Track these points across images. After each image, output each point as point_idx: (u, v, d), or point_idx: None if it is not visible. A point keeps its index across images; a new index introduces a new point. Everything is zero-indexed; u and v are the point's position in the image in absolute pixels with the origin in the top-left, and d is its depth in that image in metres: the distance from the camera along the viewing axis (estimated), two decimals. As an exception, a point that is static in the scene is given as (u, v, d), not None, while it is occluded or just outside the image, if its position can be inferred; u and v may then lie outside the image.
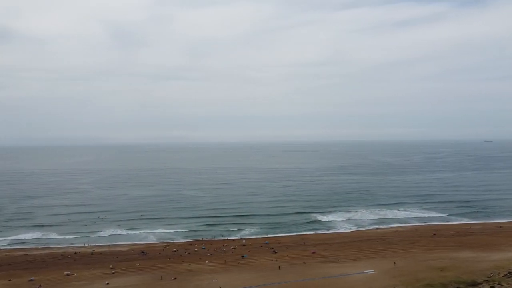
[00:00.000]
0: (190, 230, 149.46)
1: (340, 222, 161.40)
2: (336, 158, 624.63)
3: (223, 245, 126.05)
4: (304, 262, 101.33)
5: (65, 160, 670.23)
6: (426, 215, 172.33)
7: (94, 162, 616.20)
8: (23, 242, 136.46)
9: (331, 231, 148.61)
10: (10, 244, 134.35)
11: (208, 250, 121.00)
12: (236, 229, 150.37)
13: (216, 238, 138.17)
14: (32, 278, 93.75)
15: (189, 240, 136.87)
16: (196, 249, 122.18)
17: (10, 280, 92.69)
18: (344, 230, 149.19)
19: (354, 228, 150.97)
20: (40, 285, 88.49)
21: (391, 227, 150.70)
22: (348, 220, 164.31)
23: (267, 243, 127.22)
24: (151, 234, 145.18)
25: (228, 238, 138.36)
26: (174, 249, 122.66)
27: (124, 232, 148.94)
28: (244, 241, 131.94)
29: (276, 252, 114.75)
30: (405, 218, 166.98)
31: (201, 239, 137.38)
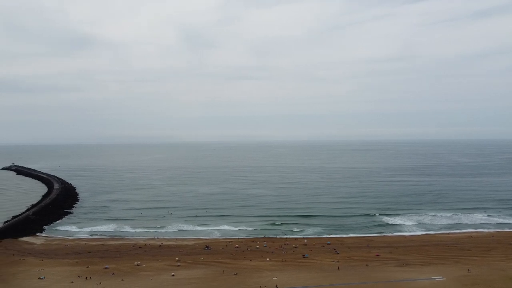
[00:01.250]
0: (254, 229, 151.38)
1: (409, 225, 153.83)
2: (406, 158, 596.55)
3: (285, 244, 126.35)
4: (366, 265, 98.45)
5: (139, 158, 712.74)
6: (506, 221, 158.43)
7: (166, 159, 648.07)
8: (101, 234, 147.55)
9: (398, 234, 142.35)
10: (89, 235, 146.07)
11: (270, 248, 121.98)
12: (299, 229, 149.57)
13: (278, 237, 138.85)
14: (107, 266, 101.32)
15: (252, 237, 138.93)
16: (258, 247, 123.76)
17: (88, 267, 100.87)
18: (412, 233, 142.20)
19: (423, 232, 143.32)
20: (113, 273, 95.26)
21: (465, 232, 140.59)
22: (418, 223, 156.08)
23: (329, 244, 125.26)
24: (215, 230, 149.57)
25: (290, 237, 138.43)
26: (237, 246, 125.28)
27: (191, 227, 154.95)
28: (305, 240, 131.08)
29: (338, 253, 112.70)
30: (481, 223, 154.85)
31: (263, 237, 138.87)
